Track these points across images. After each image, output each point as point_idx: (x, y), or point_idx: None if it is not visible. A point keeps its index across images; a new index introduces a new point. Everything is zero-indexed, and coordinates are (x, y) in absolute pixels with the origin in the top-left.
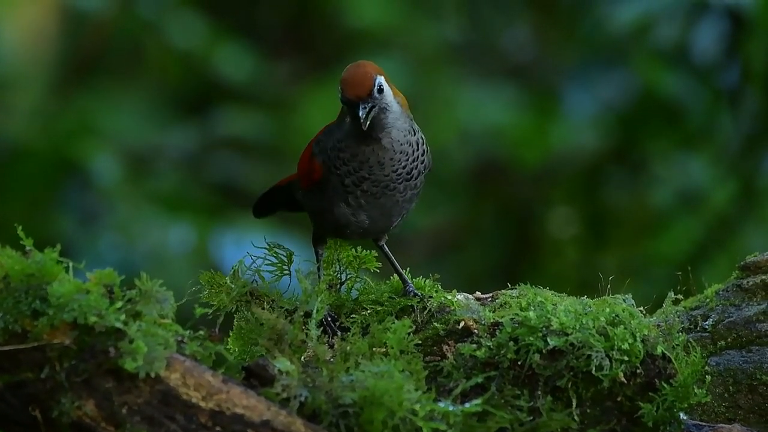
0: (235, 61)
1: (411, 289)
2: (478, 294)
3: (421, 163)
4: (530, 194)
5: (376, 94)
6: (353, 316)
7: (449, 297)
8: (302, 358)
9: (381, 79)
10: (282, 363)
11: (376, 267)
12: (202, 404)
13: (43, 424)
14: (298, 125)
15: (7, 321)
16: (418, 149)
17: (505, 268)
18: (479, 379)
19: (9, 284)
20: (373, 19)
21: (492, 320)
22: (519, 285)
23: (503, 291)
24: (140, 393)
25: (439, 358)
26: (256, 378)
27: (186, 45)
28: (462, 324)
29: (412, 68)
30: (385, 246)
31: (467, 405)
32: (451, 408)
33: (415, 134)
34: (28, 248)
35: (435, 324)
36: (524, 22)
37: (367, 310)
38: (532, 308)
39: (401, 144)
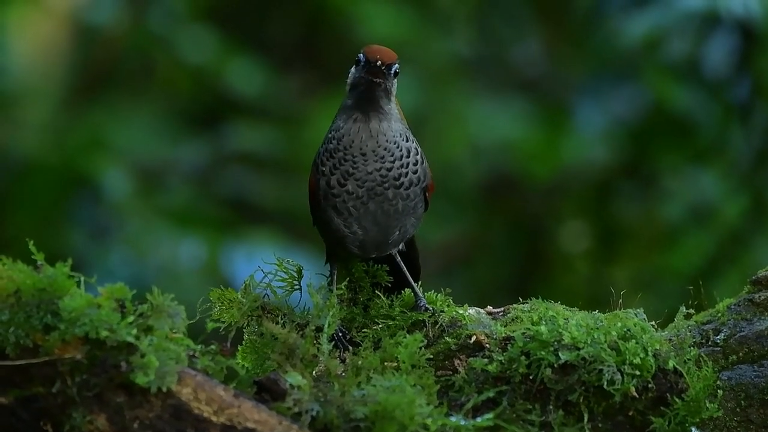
0: (246, 75)
1: (423, 303)
2: (489, 308)
3: (414, 173)
4: (541, 208)
5: (391, 72)
6: (365, 330)
7: (461, 311)
8: (314, 372)
9: (398, 67)
10: (293, 377)
11: (387, 281)
12: (214, 418)
13: None
14: (309, 139)
15: (19, 335)
16: (409, 157)
17: (516, 283)
18: (491, 394)
19: (20, 299)
20: (384, 34)
21: (503, 334)
22: (530, 299)
23: (515, 305)
24: (152, 407)
25: (451, 373)
26: (268, 392)
27: (197, 60)
28: (473, 338)
29: (423, 82)
30: (398, 257)
31: (479, 419)
32: (462, 422)
33: (408, 141)
34: (39, 263)
35: (446, 338)
36: (535, 36)
37: (379, 324)
38: (544, 322)
39: (387, 140)
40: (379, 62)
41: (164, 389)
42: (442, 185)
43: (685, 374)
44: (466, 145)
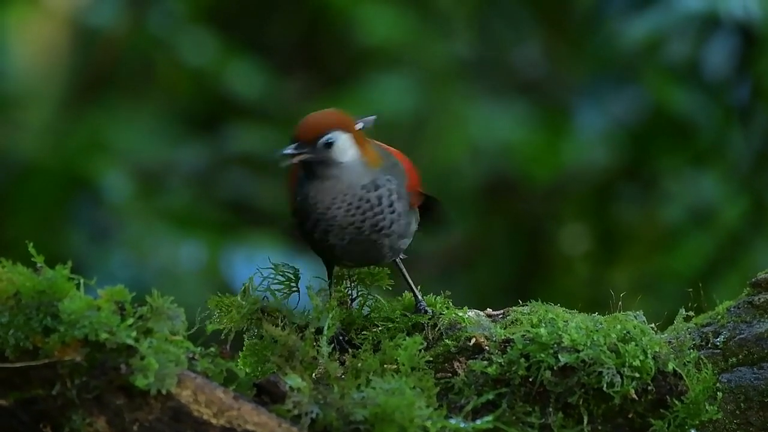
0: (246, 77)
1: (423, 305)
2: (489, 311)
3: (391, 213)
4: (541, 211)
5: (319, 146)
6: (364, 332)
7: (460, 314)
8: (313, 374)
9: (337, 137)
10: (293, 380)
11: (388, 284)
12: (213, 421)
13: None
14: None
15: (18, 338)
16: (382, 204)
17: (516, 285)
18: (490, 396)
19: (20, 301)
20: (384, 36)
21: (503, 337)
22: (530, 302)
23: (514, 308)
24: (151, 410)
25: (450, 375)
26: (268, 395)
27: (197, 62)
28: (473, 341)
29: (423, 85)
30: (399, 261)
31: (478, 422)
32: (462, 425)
33: (377, 189)
34: (39, 265)
35: (446, 341)
36: (535, 38)
37: (379, 326)
38: (543, 325)
39: (350, 201)
40: (295, 144)
41: (164, 391)
42: (442, 188)
43: (684, 376)
44: (466, 148)
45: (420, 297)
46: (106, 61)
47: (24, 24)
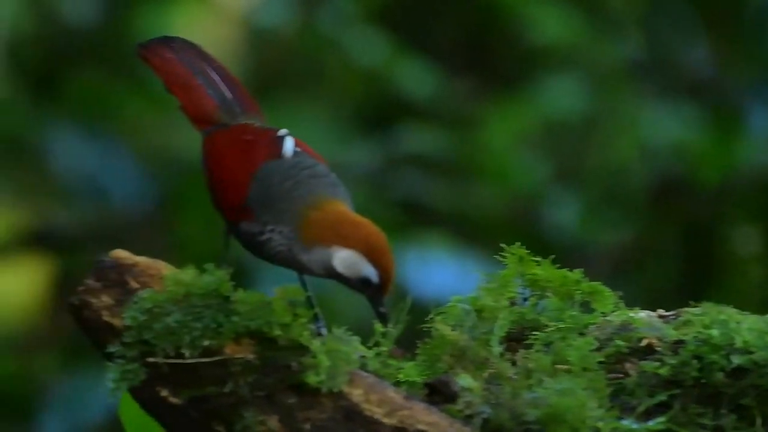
0: (416, 77)
1: (318, 327)
2: (660, 311)
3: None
4: (712, 212)
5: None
6: (535, 333)
7: (632, 314)
8: (485, 374)
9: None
10: (465, 379)
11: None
12: (385, 420)
13: None
14: (481, 142)
15: (194, 336)
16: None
17: (688, 286)
18: (663, 397)
19: (190, 301)
20: (554, 36)
21: (675, 338)
22: (702, 303)
23: (686, 309)
24: (323, 409)
25: (622, 376)
26: (439, 395)
27: (367, 61)
28: (645, 342)
29: (593, 86)
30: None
31: (651, 423)
32: (634, 426)
33: None
34: (208, 266)
35: (618, 341)
36: (704, 38)
37: (550, 327)
38: (716, 326)
39: None
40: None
41: (335, 390)
42: (612, 189)
43: None
44: (636, 149)
45: (320, 317)
46: (276, 60)
47: (194, 23)
